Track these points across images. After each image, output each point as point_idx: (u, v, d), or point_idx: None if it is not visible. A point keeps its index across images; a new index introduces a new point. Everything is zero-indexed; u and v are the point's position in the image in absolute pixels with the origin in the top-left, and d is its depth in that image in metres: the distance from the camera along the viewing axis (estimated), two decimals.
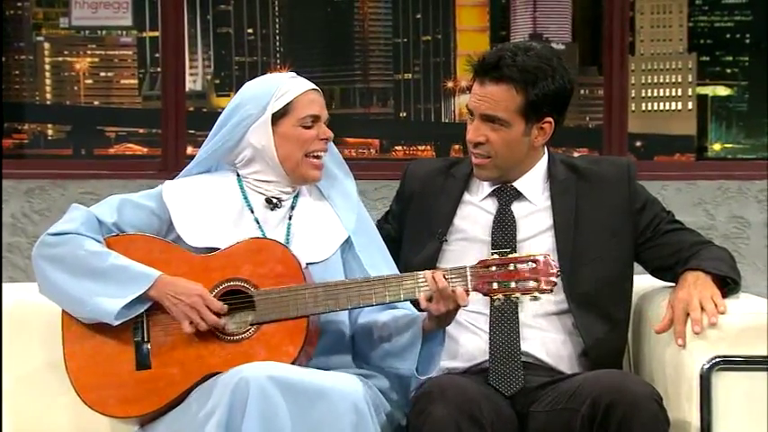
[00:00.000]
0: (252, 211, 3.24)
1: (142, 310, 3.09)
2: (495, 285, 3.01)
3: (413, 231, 3.37)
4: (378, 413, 3.02)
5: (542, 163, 3.36)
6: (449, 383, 3.07)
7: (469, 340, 3.27)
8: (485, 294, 3.03)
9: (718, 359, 3.15)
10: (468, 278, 3.03)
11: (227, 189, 3.25)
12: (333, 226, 3.26)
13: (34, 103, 6.96)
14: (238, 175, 3.27)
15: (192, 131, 6.38)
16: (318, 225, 3.26)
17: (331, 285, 3.09)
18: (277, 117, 3.22)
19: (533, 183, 3.35)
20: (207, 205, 3.22)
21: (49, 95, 7.02)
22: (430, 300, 3.04)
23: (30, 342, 3.43)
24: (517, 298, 3.04)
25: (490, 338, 3.24)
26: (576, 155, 3.53)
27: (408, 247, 3.39)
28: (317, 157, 3.23)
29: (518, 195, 3.34)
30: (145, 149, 6.91)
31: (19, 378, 3.43)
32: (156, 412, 3.08)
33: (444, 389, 3.03)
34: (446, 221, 3.34)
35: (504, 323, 3.23)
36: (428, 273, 3.05)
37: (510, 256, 3.02)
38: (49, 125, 7.01)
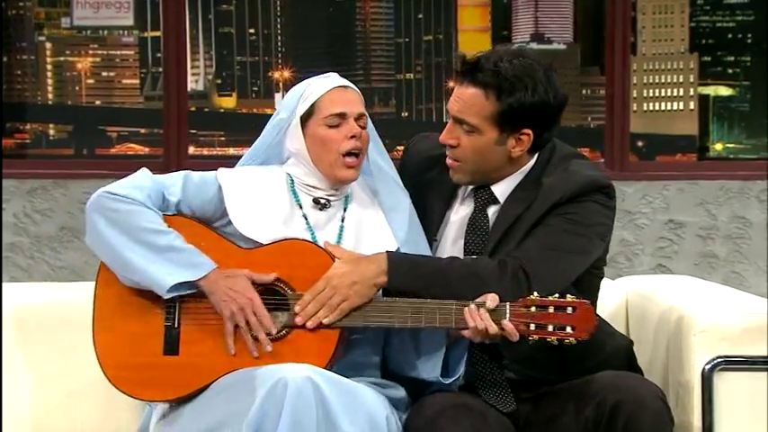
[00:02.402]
0: (301, 207, 3.20)
1: (187, 292, 3.06)
2: (532, 326, 2.98)
3: None
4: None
5: (525, 169, 3.22)
6: (455, 405, 3.04)
7: None
8: (521, 334, 2.99)
9: (719, 359, 3.15)
10: (507, 315, 2.99)
11: (278, 185, 3.22)
12: (383, 235, 3.21)
13: (36, 102, 6.97)
14: (288, 173, 3.24)
15: (194, 131, 6.38)
16: (370, 232, 3.21)
17: (368, 302, 3.07)
18: (305, 119, 3.19)
19: (509, 188, 3.22)
20: (259, 198, 3.18)
21: (50, 95, 7.03)
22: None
23: (30, 342, 3.43)
24: (552, 341, 2.98)
25: (472, 364, 3.19)
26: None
27: None
28: (353, 156, 3.17)
29: (495, 200, 3.23)
30: (146, 149, 6.91)
31: (19, 378, 3.43)
32: (176, 400, 3.07)
33: (452, 413, 3.01)
34: (438, 219, 3.27)
35: (482, 347, 3.15)
36: (468, 309, 2.99)
37: (550, 298, 2.98)
38: (51, 125, 7.02)
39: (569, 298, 2.99)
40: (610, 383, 3.03)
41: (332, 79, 3.24)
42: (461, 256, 3.20)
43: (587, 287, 3.18)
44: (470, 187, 3.26)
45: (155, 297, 3.08)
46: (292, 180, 3.22)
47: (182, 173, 3.21)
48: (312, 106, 3.19)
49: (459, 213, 3.27)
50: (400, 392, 3.15)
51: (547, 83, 3.12)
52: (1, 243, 5.78)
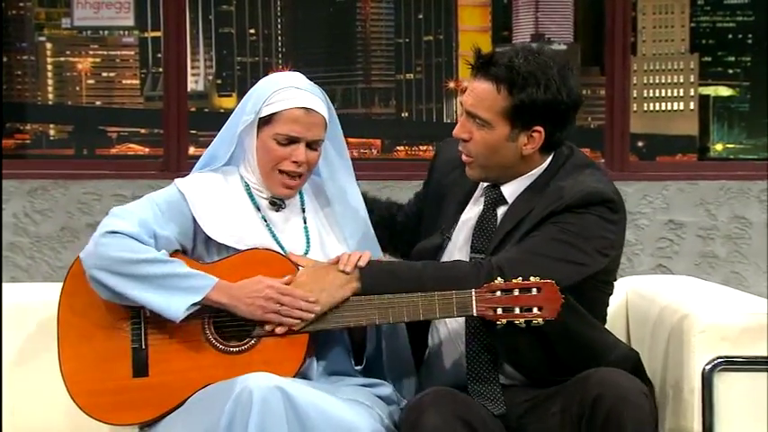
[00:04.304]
0: (259, 210, 3.20)
1: (198, 307, 3.03)
2: (499, 311, 3.00)
3: (428, 216, 3.33)
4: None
5: (536, 172, 3.21)
6: (439, 392, 3.04)
7: (450, 360, 3.24)
8: (489, 319, 3.01)
9: (719, 360, 3.15)
10: (474, 302, 3.01)
11: (235, 188, 3.21)
12: (338, 239, 3.23)
13: (36, 103, 6.97)
14: (241, 176, 3.24)
15: (194, 131, 6.37)
16: (330, 234, 3.23)
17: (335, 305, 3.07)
18: (262, 123, 3.15)
19: (518, 189, 3.21)
20: (221, 202, 3.17)
21: (51, 95, 7.03)
22: None
23: (30, 342, 3.43)
24: (520, 323, 3.00)
25: (467, 360, 3.19)
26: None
27: (423, 230, 3.34)
28: (290, 176, 3.15)
29: (504, 200, 3.23)
30: (146, 149, 6.91)
31: (19, 378, 3.43)
32: (152, 421, 3.06)
33: (435, 397, 3.01)
34: (453, 218, 3.28)
35: (479, 345, 3.17)
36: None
37: (514, 281, 2.99)
38: (51, 125, 7.02)
39: (533, 279, 3.00)
40: (593, 379, 3.01)
41: (301, 95, 3.15)
42: (469, 256, 3.20)
43: (592, 302, 3.19)
44: (483, 187, 3.27)
45: (119, 320, 3.09)
46: (247, 183, 3.21)
47: (146, 202, 3.14)
48: (273, 115, 3.14)
49: (472, 212, 3.27)
50: (387, 389, 3.16)
51: (560, 81, 3.12)
52: (1, 242, 5.77)
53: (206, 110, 7.10)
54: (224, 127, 3.25)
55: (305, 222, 3.22)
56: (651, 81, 6.90)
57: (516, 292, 2.99)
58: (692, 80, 6.94)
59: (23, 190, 5.90)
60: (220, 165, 3.23)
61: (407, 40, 7.15)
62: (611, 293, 3.30)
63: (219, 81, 7.22)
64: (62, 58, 6.97)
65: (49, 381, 3.38)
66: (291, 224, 3.21)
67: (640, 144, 6.85)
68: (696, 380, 3.16)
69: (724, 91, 7.10)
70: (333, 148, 3.23)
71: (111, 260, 3.01)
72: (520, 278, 3.00)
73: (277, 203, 3.20)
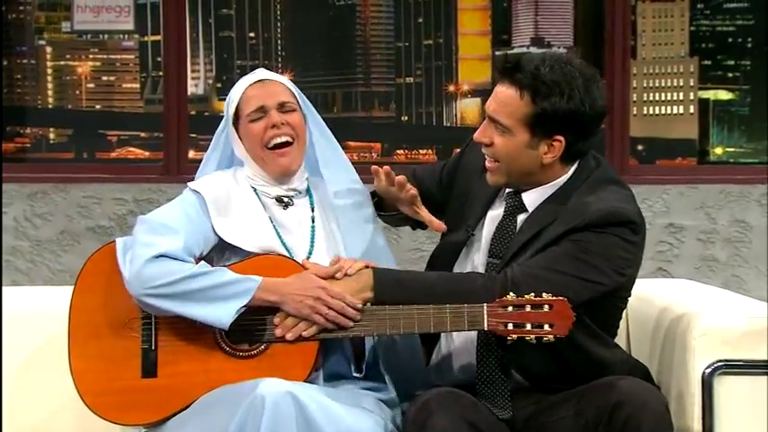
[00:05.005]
0: (265, 210, 3.21)
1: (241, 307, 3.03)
2: (510, 326, 3.00)
3: (453, 208, 3.32)
4: None
5: (558, 182, 3.19)
6: (445, 394, 3.04)
7: (462, 360, 3.24)
8: (500, 334, 3.01)
9: (719, 363, 3.15)
10: (485, 317, 3.02)
11: (244, 187, 3.23)
12: (341, 243, 3.23)
13: (36, 106, 6.96)
14: (247, 176, 3.25)
15: (194, 135, 6.38)
16: (334, 239, 3.23)
17: None
18: (235, 122, 3.23)
19: (539, 198, 3.19)
20: (231, 201, 3.18)
21: (50, 99, 7.02)
22: None
23: (30, 346, 3.43)
24: (531, 339, 3.00)
25: (477, 363, 3.19)
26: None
27: (448, 223, 3.32)
28: (278, 146, 3.18)
29: (524, 208, 3.21)
30: (147, 153, 6.91)
31: (19, 382, 3.43)
32: (158, 422, 3.07)
33: (441, 399, 3.01)
34: (478, 215, 3.26)
35: (491, 349, 3.17)
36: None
37: (526, 297, 2.99)
38: (51, 129, 7.01)
39: (545, 296, 3.00)
40: (612, 386, 3.01)
41: (251, 75, 3.25)
42: (486, 260, 3.21)
43: (605, 315, 3.19)
44: (507, 191, 3.25)
45: (130, 320, 3.09)
46: (253, 186, 3.23)
47: (179, 210, 3.15)
48: (237, 108, 3.21)
49: (497, 211, 3.26)
50: (390, 394, 3.17)
51: (585, 92, 3.11)
52: (1, 246, 5.78)
53: (206, 113, 7.10)
54: (209, 148, 3.31)
55: (312, 222, 3.23)
56: (651, 85, 6.90)
57: (528, 309, 2.99)
58: (691, 84, 6.94)
59: (23, 194, 5.90)
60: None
61: (407, 43, 7.15)
62: (625, 307, 3.29)
63: (219, 85, 7.21)
64: (62, 62, 6.97)
65: (49, 383, 3.39)
66: (299, 224, 3.22)
67: (640, 148, 6.84)
68: (696, 383, 3.16)
69: (724, 94, 7.10)
70: (327, 146, 3.26)
71: (157, 286, 3.01)
72: (532, 294, 2.99)
73: (284, 201, 3.22)
